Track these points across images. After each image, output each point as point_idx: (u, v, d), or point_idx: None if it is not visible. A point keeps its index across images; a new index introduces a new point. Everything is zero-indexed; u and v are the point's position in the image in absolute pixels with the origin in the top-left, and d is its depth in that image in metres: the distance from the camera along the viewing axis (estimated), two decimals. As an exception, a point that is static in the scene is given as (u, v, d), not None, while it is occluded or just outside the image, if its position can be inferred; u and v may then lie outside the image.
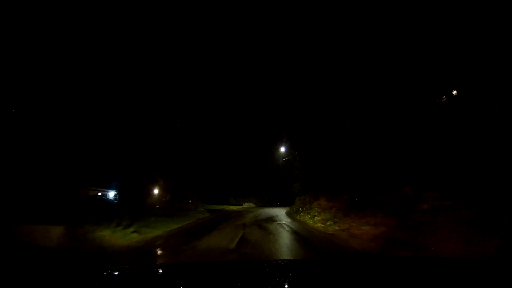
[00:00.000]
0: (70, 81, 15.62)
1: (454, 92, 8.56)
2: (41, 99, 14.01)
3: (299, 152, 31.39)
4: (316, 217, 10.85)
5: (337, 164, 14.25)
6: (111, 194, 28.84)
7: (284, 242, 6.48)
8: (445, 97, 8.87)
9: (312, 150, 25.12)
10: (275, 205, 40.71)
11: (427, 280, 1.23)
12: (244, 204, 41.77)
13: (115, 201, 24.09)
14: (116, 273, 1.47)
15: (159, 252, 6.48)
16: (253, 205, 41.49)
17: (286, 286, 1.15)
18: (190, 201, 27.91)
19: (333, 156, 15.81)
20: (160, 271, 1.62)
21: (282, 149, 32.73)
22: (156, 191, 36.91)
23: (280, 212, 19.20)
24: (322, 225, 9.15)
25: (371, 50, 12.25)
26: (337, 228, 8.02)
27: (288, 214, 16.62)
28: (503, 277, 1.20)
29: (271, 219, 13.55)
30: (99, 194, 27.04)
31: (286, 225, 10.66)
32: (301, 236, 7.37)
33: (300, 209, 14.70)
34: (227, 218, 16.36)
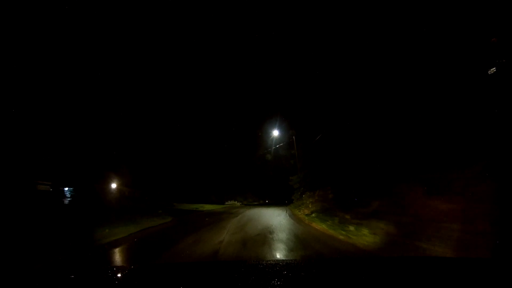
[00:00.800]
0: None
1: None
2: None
3: (297, 138, 24.83)
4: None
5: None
6: (70, 190, 24.44)
7: None
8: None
9: (314, 134, 18.56)
10: (264, 204, 33.79)
11: (426, 281, 1.21)
12: (227, 203, 34.35)
13: (65, 200, 20.58)
14: (115, 272, 1.50)
15: None
16: (238, 204, 34.23)
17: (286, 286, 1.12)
18: (146, 198, 20.53)
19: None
20: (160, 270, 1.58)
21: (275, 134, 25.62)
22: (114, 186, 29.30)
23: (280, 216, 12.06)
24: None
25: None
26: None
27: (299, 222, 9.43)
28: (502, 277, 1.19)
29: (280, 239, 6.32)
30: (51, 190, 21.91)
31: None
32: None
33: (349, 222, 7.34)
34: (190, 229, 9.01)
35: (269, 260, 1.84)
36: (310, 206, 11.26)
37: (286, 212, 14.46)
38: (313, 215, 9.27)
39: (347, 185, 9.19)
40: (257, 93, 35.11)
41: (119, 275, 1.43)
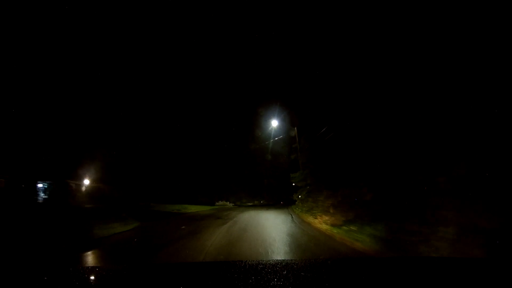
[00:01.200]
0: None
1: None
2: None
3: (299, 130, 21.61)
4: None
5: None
6: (44, 186, 22.83)
7: None
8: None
9: (319, 125, 15.35)
10: (260, 205, 30.25)
11: (425, 281, 1.20)
12: (218, 203, 30.60)
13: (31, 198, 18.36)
14: (114, 271, 1.48)
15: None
16: (230, 205, 30.57)
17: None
18: (119, 196, 17.02)
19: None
20: (159, 270, 1.53)
21: (273, 125, 22.04)
22: (87, 182, 25.77)
23: (286, 224, 8.52)
24: None
25: None
26: None
27: (327, 240, 5.78)
28: (500, 277, 1.19)
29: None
30: (22, 185, 20.48)
31: None
32: None
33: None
34: (146, 249, 5.35)
35: (269, 260, 1.73)
36: (331, 211, 7.71)
37: (292, 217, 10.86)
38: (351, 228, 5.59)
39: (401, 181, 5.64)
40: (254, 80, 31.76)
41: (115, 275, 1.41)
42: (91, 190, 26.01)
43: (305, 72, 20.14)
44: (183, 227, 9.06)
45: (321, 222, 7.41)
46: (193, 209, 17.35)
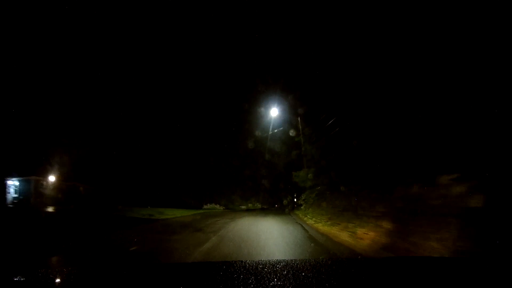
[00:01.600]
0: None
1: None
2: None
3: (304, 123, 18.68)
4: None
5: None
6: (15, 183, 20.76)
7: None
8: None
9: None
10: (255, 209, 26.82)
11: (423, 281, 1.18)
12: (206, 206, 26.88)
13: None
14: (115, 271, 1.46)
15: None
16: (221, 209, 26.94)
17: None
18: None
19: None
20: (160, 270, 1.53)
21: (272, 114, 18.74)
22: (52, 179, 22.14)
23: (306, 250, 5.06)
24: None
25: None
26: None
27: None
28: (499, 277, 1.17)
29: None
30: None
31: None
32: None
33: None
34: None
35: (269, 260, 1.59)
36: (387, 225, 4.34)
37: (306, 230, 7.43)
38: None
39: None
40: (250, 63, 28.57)
41: (114, 275, 1.39)
42: (65, 189, 22.27)
43: (307, 56, 16.98)
44: (134, 247, 5.49)
45: (365, 236, 4.02)
46: (170, 214, 13.69)
